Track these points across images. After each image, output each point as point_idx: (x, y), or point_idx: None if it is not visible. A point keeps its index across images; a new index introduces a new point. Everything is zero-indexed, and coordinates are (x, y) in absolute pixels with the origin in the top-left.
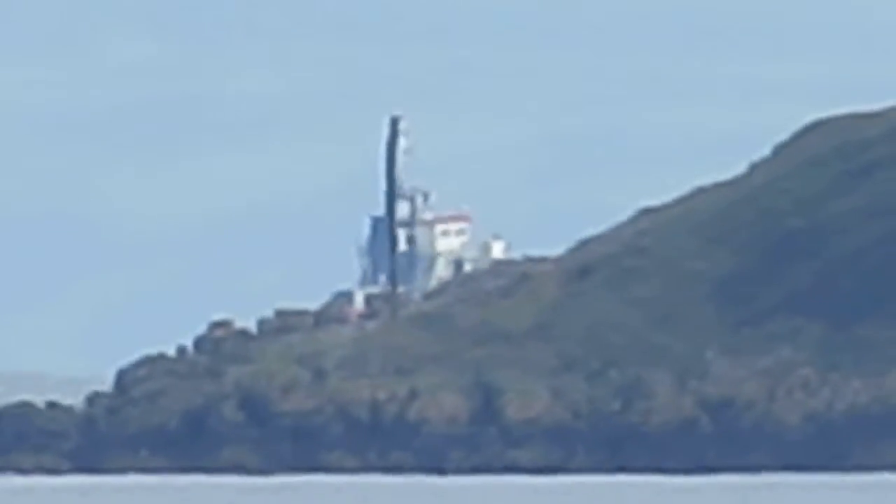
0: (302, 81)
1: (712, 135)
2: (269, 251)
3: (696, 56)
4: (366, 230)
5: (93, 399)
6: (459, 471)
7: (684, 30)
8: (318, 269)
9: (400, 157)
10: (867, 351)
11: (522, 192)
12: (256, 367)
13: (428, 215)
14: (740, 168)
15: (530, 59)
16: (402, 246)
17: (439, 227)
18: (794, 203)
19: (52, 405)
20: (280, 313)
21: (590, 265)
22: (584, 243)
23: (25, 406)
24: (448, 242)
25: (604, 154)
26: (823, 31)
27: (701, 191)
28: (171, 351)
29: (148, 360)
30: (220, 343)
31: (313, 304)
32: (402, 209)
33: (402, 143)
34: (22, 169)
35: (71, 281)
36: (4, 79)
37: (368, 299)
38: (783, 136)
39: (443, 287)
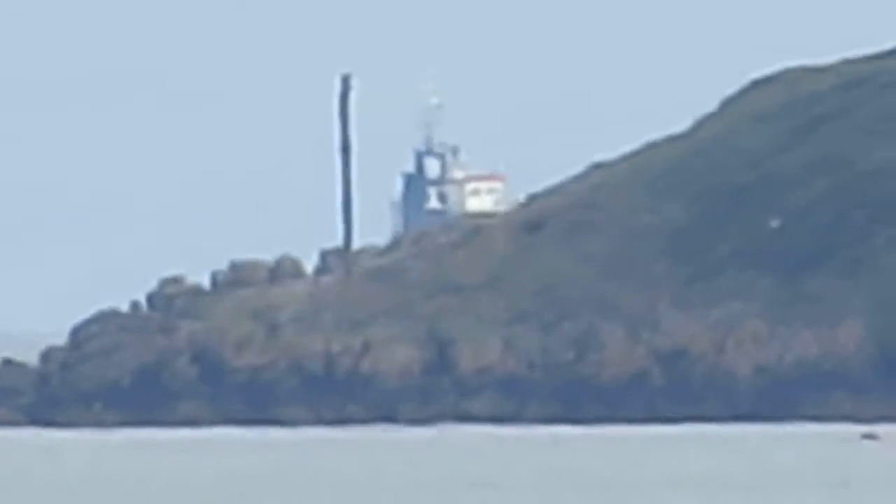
0: (272, 40)
1: (661, 90)
2: (226, 210)
3: (644, 11)
4: (398, 187)
5: (47, 355)
6: (413, 422)
7: None
8: (275, 227)
9: (353, 115)
10: (817, 304)
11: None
12: (209, 322)
13: (459, 174)
14: (689, 123)
15: (482, 19)
16: (433, 203)
17: (470, 186)
18: (744, 157)
19: (7, 362)
20: (234, 266)
21: (541, 219)
22: (535, 198)
23: None
24: (479, 201)
25: (554, 110)
26: None
27: (651, 146)
28: (124, 307)
29: (101, 317)
30: (172, 299)
31: (269, 259)
32: (433, 166)
33: (353, 99)
34: None
35: (25, 237)
36: None
37: (323, 255)
38: (731, 90)
39: (396, 242)
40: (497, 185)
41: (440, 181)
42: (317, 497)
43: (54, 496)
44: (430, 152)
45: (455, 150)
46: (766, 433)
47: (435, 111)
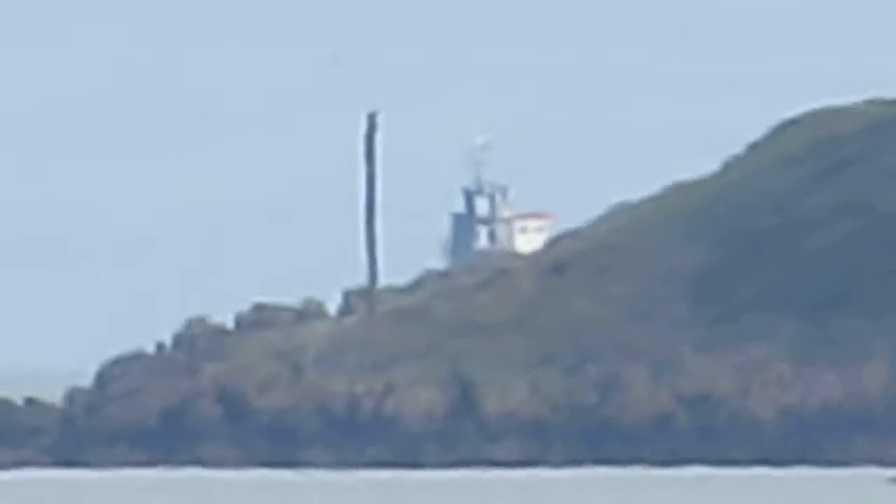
0: (290, 76)
1: (687, 132)
2: (250, 250)
3: (671, 53)
4: (446, 228)
5: (72, 396)
6: (437, 465)
7: (659, 27)
8: (297, 265)
9: (379, 154)
10: (841, 346)
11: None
12: (233, 362)
13: (507, 213)
14: (714, 165)
15: (507, 55)
16: (483, 243)
17: (518, 224)
18: (769, 200)
19: (30, 401)
20: (258, 308)
21: (566, 261)
22: (560, 239)
23: (4, 403)
24: (527, 239)
25: (579, 150)
26: (796, 27)
27: (676, 187)
28: (147, 346)
29: (125, 358)
30: (196, 339)
31: (293, 300)
32: (482, 206)
33: (379, 138)
34: None
35: (49, 277)
36: None
37: (346, 295)
38: (757, 133)
39: (419, 282)
40: (545, 223)
41: (489, 220)
42: None
43: None
44: (479, 192)
45: (504, 190)
46: (791, 476)
47: (481, 151)
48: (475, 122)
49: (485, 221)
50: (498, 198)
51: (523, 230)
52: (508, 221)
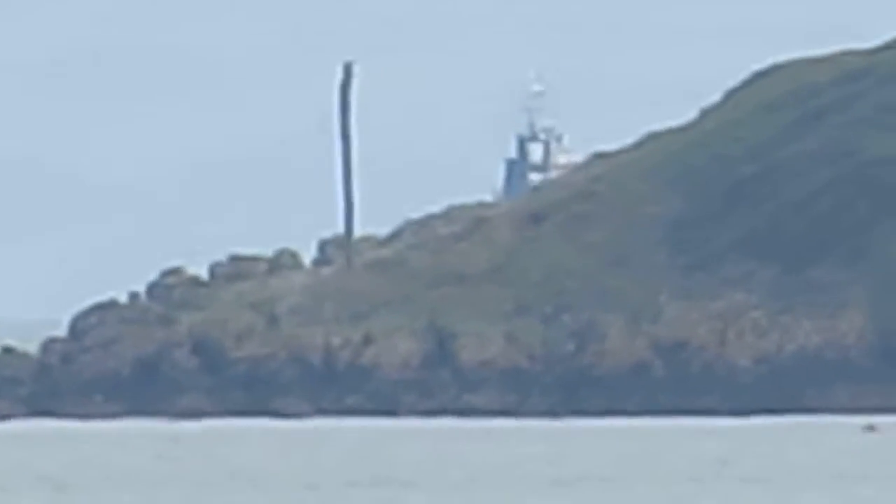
0: (265, 30)
1: (664, 80)
2: (225, 199)
3: (648, 1)
4: (500, 175)
5: (48, 345)
6: (413, 414)
7: None
8: (274, 217)
9: (354, 105)
10: (819, 294)
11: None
12: (209, 313)
13: (562, 159)
14: (692, 114)
15: (481, 6)
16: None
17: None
18: (746, 148)
19: (7, 351)
20: (233, 259)
21: (543, 210)
22: (538, 188)
23: None
24: None
25: (556, 99)
26: None
27: (653, 136)
28: (121, 297)
29: (100, 308)
30: (172, 290)
31: (267, 251)
32: (535, 152)
33: (355, 88)
34: None
35: (24, 227)
36: None
37: (322, 245)
38: (734, 81)
39: (397, 232)
40: None
41: (543, 167)
42: (318, 488)
43: (54, 488)
44: (533, 138)
45: (559, 137)
46: (767, 425)
47: (537, 97)
48: (530, 69)
49: (538, 168)
50: (553, 144)
51: None
52: (563, 168)
